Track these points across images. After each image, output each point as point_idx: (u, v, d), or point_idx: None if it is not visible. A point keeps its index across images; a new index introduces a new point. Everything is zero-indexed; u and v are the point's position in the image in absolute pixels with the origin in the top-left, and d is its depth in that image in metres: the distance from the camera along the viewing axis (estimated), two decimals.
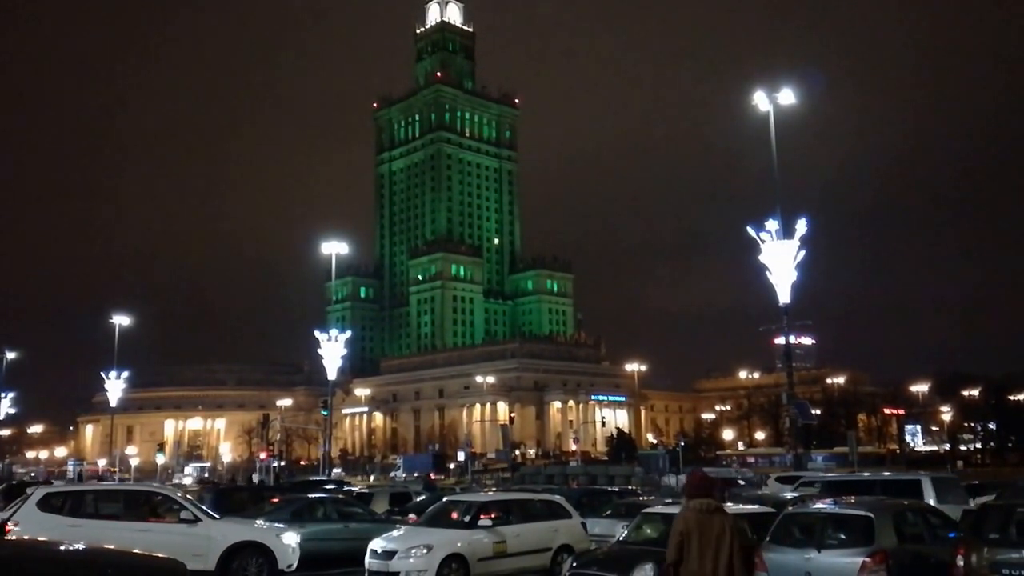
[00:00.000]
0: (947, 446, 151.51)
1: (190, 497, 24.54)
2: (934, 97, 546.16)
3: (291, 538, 23.54)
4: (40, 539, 10.33)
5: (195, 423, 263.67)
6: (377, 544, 23.69)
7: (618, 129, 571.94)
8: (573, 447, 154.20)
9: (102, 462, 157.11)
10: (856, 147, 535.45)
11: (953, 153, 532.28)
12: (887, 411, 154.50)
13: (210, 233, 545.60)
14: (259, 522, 25.71)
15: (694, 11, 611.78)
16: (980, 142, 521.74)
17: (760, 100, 47.21)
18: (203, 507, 23.97)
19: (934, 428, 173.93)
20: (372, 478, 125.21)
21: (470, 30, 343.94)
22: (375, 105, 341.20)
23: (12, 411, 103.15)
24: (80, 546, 7.66)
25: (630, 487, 58.10)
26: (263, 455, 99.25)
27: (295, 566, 23.28)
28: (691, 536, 12.04)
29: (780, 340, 51.31)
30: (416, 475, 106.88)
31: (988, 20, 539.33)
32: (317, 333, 74.02)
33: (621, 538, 21.24)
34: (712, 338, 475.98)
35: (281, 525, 25.87)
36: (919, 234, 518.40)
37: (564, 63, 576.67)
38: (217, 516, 24.25)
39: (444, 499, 30.22)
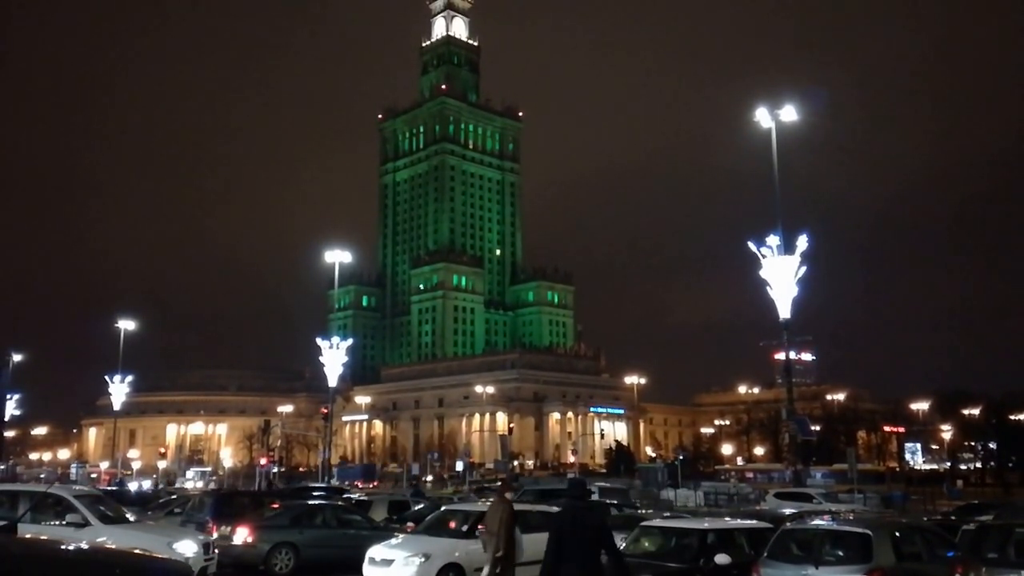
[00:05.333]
0: (947, 465, 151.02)
1: (81, 498, 22.53)
2: (940, 118, 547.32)
3: (187, 547, 21.94)
4: (49, 539, 10.42)
5: (197, 428, 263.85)
6: (375, 552, 23.76)
7: (620, 142, 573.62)
8: (571, 459, 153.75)
9: (104, 464, 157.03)
10: (859, 164, 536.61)
11: (958, 172, 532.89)
12: (887, 429, 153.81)
13: (214, 240, 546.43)
14: (167, 530, 25.31)
15: (699, 27, 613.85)
16: (985, 161, 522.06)
17: (762, 117, 47.46)
18: (101, 511, 22.47)
19: (934, 446, 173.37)
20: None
21: (475, 44, 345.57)
22: (380, 116, 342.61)
23: (17, 412, 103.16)
24: (89, 546, 7.74)
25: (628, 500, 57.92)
26: (263, 461, 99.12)
27: None
28: (491, 513, 20.53)
29: (780, 355, 51.49)
30: (347, 483, 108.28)
31: (996, 42, 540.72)
32: (319, 340, 74.25)
33: None
34: (712, 352, 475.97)
35: (188, 530, 25.62)
36: (921, 251, 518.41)
37: (568, 77, 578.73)
38: (130, 519, 23.59)
39: (442, 508, 30.28)
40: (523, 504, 30.11)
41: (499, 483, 24.00)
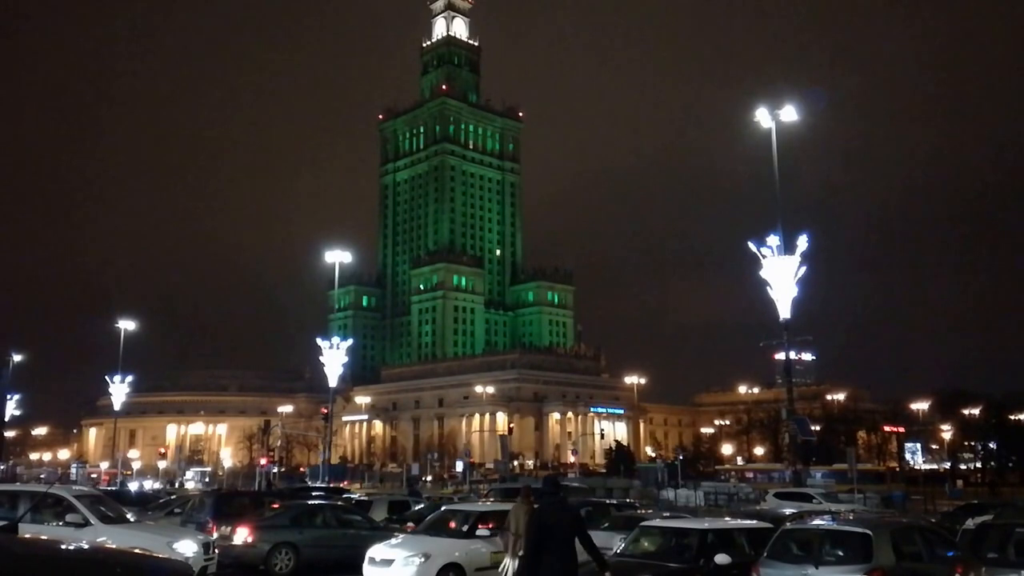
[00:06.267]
0: (947, 465, 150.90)
1: (81, 499, 22.56)
2: (942, 120, 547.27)
3: (187, 547, 21.95)
4: (49, 539, 10.44)
5: (197, 428, 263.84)
6: (375, 552, 23.75)
7: (621, 142, 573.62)
8: (571, 459, 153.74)
9: (104, 465, 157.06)
10: (860, 165, 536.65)
11: (959, 172, 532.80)
12: (887, 429, 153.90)
13: (214, 240, 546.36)
14: (167, 529, 25.33)
15: (700, 27, 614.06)
16: (987, 162, 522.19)
17: (762, 117, 47.47)
18: (102, 511, 22.41)
19: (934, 446, 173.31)
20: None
21: (476, 44, 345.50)
22: (380, 116, 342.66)
23: (17, 413, 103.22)
24: (90, 546, 7.75)
25: (628, 500, 58.05)
26: (263, 461, 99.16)
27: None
28: (514, 514, 20.90)
29: (780, 355, 51.47)
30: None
31: (999, 42, 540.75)
32: (319, 341, 74.21)
33: (619, 551, 21.24)
34: (712, 352, 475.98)
35: (188, 530, 25.77)
36: (921, 251, 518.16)
37: (568, 77, 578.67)
38: (130, 519, 23.53)
39: (443, 508, 30.27)
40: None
41: (523, 493, 23.97)
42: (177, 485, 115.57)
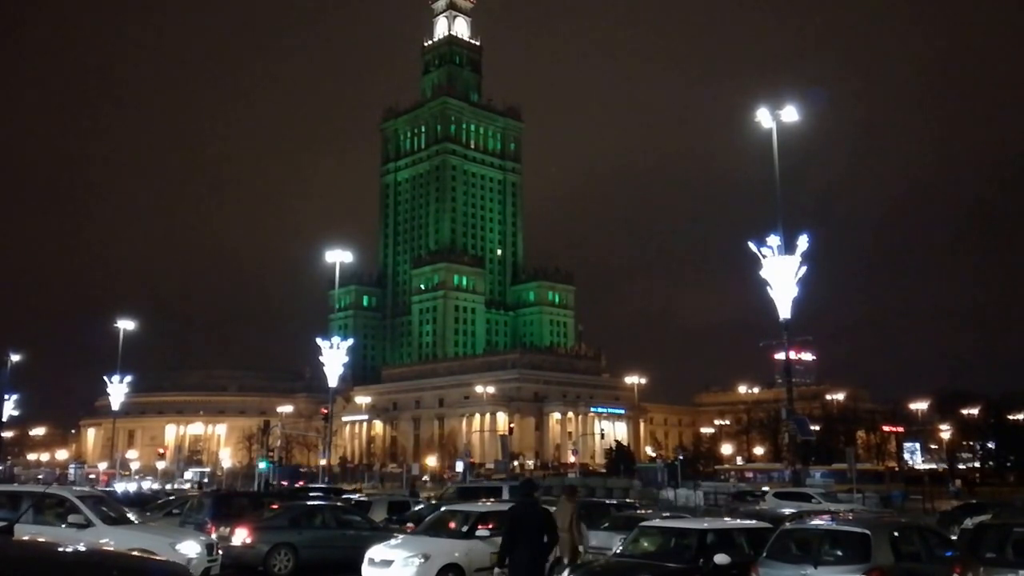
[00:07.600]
0: (946, 465, 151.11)
1: (84, 499, 22.40)
2: (943, 122, 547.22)
3: (190, 548, 21.85)
4: (46, 541, 10.43)
5: (196, 428, 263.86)
6: (375, 552, 23.73)
7: (622, 142, 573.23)
8: (572, 459, 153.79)
9: (103, 465, 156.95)
10: (861, 165, 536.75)
11: (960, 173, 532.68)
12: (886, 428, 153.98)
13: (214, 240, 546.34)
14: (170, 530, 25.31)
15: (701, 28, 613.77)
16: (988, 163, 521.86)
17: (763, 117, 47.44)
18: (104, 511, 22.29)
19: (933, 446, 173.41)
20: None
21: (477, 44, 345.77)
22: (382, 116, 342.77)
23: (15, 413, 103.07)
24: (86, 548, 7.74)
25: (628, 500, 58.07)
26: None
27: None
28: (558, 513, 21.15)
29: (780, 355, 51.51)
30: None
31: (1001, 43, 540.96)
32: (319, 341, 74.23)
33: (618, 551, 21.25)
34: (712, 352, 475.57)
35: (192, 531, 25.96)
36: (922, 251, 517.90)
37: (570, 77, 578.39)
38: (132, 521, 23.43)
39: (442, 508, 30.27)
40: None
41: (565, 488, 26.92)
42: (195, 487, 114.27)
